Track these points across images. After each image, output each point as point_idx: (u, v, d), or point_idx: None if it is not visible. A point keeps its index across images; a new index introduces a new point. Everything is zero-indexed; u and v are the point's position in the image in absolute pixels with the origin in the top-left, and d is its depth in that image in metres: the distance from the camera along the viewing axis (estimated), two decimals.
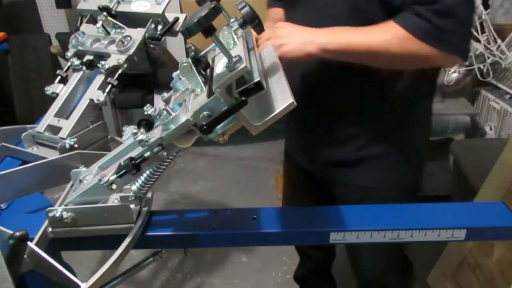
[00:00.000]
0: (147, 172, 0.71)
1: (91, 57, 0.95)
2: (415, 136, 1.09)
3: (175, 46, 2.45)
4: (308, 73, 1.01)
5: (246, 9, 0.68)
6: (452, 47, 0.83)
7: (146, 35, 0.93)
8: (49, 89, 0.96)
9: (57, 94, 0.95)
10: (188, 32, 0.56)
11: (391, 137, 1.05)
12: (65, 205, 0.71)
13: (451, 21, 0.80)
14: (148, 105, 0.72)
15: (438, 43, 0.82)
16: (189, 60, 0.67)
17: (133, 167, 0.65)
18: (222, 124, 0.61)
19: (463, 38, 0.84)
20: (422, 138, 1.12)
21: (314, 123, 1.10)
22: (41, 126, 0.92)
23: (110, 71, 0.92)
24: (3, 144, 0.92)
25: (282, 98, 0.62)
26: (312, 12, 0.98)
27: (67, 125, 0.90)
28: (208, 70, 0.69)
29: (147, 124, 0.67)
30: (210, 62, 0.70)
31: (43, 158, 0.84)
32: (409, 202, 1.19)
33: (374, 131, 1.05)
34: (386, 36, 0.84)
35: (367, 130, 1.04)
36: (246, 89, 0.59)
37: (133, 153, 0.68)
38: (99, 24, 0.95)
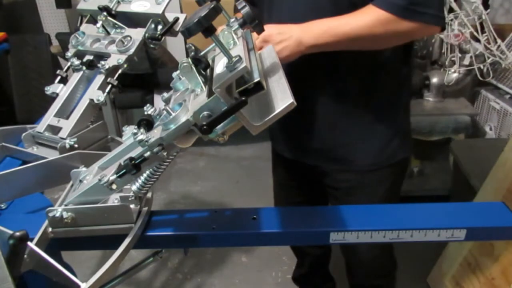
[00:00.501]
0: (147, 172, 0.71)
1: (91, 57, 0.95)
2: (403, 108, 1.13)
3: (175, 46, 2.45)
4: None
5: (246, 9, 0.68)
6: (429, 18, 0.88)
7: (146, 35, 0.93)
8: (49, 89, 0.96)
9: (57, 94, 0.95)
10: (188, 32, 0.56)
11: (382, 113, 1.07)
12: (65, 205, 0.71)
13: None
14: (148, 105, 0.72)
15: (416, 17, 0.87)
16: (189, 60, 0.67)
17: (133, 167, 0.65)
18: (222, 124, 0.61)
19: (437, 7, 0.89)
20: (407, 109, 1.15)
21: (305, 106, 1.08)
22: (41, 126, 0.92)
23: (110, 71, 0.92)
24: (3, 144, 0.92)
25: (282, 98, 0.62)
26: (292, 4, 0.98)
27: (67, 125, 0.90)
28: (208, 70, 0.69)
29: (147, 124, 0.67)
30: (210, 62, 0.70)
31: (43, 158, 0.84)
32: (402, 179, 1.22)
33: (366, 110, 1.05)
34: (368, 20, 0.88)
35: (359, 109, 1.05)
36: (246, 89, 0.59)
37: (133, 153, 0.68)
38: (99, 24, 0.95)
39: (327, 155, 1.12)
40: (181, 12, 2.15)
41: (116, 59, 0.91)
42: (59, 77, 0.97)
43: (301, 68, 0.99)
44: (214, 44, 0.62)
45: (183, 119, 0.62)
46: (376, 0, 0.88)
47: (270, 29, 0.88)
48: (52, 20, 3.19)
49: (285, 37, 0.88)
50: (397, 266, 1.39)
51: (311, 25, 0.90)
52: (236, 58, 0.57)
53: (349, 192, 1.16)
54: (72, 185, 0.77)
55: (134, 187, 0.73)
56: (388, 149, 1.10)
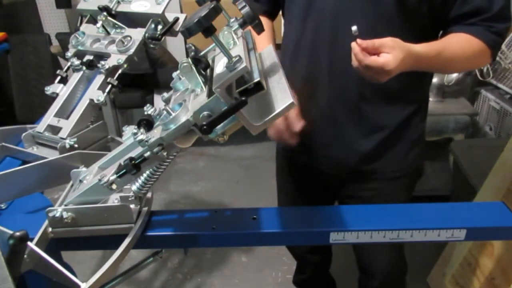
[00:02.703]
0: (147, 172, 0.71)
1: (91, 57, 0.95)
2: (424, 116, 1.13)
3: (175, 46, 2.45)
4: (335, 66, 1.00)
5: (246, 9, 0.68)
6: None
7: (146, 35, 0.93)
8: (49, 89, 0.96)
9: (57, 94, 0.95)
10: (188, 32, 0.56)
11: (409, 120, 1.07)
12: (65, 205, 0.71)
13: (507, 24, 0.94)
14: (148, 105, 0.72)
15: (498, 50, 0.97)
16: (189, 60, 0.67)
17: (133, 167, 0.65)
18: (222, 124, 0.61)
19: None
20: (426, 116, 1.15)
21: (333, 113, 1.06)
22: (41, 126, 0.92)
23: (110, 71, 0.92)
24: (3, 144, 0.92)
25: (282, 98, 0.62)
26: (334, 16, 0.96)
27: (67, 125, 0.90)
28: (208, 70, 0.69)
29: (147, 124, 0.67)
30: (210, 62, 0.70)
31: (43, 158, 0.84)
32: (415, 186, 1.22)
33: (394, 117, 1.05)
34: (471, 50, 0.93)
35: (388, 116, 1.05)
36: (246, 89, 0.59)
37: (133, 153, 0.68)
38: (99, 24, 0.95)
39: (353, 165, 1.10)
40: (181, 12, 2.15)
41: (116, 59, 0.91)
42: (59, 77, 0.97)
43: (340, 80, 1.00)
44: (214, 44, 0.62)
45: (183, 119, 0.62)
46: (477, 32, 0.92)
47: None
48: (52, 20, 3.19)
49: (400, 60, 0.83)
50: (408, 269, 1.38)
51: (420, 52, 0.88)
52: (236, 58, 0.57)
53: (368, 202, 1.11)
54: (72, 185, 0.77)
55: (134, 187, 0.73)
56: (410, 156, 1.10)
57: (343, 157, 1.10)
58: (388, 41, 0.82)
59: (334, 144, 1.09)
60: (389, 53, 0.80)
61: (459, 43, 0.92)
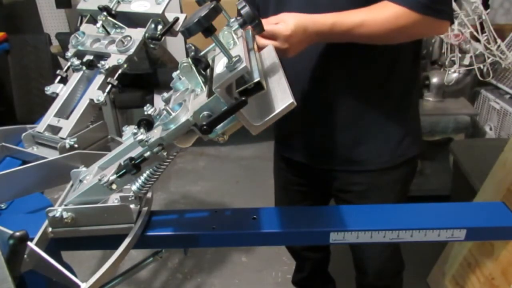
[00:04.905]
0: (147, 172, 0.71)
1: (91, 57, 0.95)
2: (414, 106, 1.13)
3: (175, 46, 2.45)
4: (311, 56, 1.01)
5: (246, 9, 0.68)
6: (445, 15, 0.91)
7: (146, 35, 0.93)
8: (49, 89, 0.96)
9: (57, 94, 0.95)
10: (188, 32, 0.56)
11: (395, 110, 1.07)
12: (65, 205, 0.71)
13: None
14: (148, 105, 0.72)
15: (434, 13, 0.89)
16: (189, 60, 0.67)
17: (133, 167, 0.65)
18: (222, 124, 0.61)
19: (451, 5, 0.93)
20: (416, 107, 1.16)
21: (320, 106, 1.07)
22: (41, 126, 0.92)
23: (110, 71, 0.92)
24: (3, 144, 0.92)
25: (282, 98, 0.62)
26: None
27: (67, 125, 0.90)
28: (208, 70, 0.69)
29: (147, 124, 0.67)
30: (210, 62, 0.70)
31: (43, 158, 0.84)
32: (412, 179, 1.21)
33: (380, 108, 1.05)
34: (385, 14, 0.89)
35: (374, 107, 1.05)
36: (246, 89, 0.59)
37: (133, 153, 0.68)
38: (99, 24, 0.95)
39: (342, 156, 1.10)
40: (181, 12, 2.15)
41: (116, 59, 0.91)
42: (59, 77, 0.97)
43: (317, 68, 0.99)
44: (214, 44, 0.62)
45: (183, 119, 0.62)
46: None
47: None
48: (52, 20, 3.19)
49: (298, 35, 0.85)
50: (405, 266, 1.39)
51: (327, 15, 0.89)
52: (236, 58, 0.57)
53: (362, 195, 1.14)
54: (72, 185, 0.77)
55: (134, 187, 0.73)
56: (402, 147, 1.10)
57: (329, 150, 1.11)
58: (281, 15, 0.87)
59: (320, 139, 1.11)
60: (282, 22, 0.85)
61: (370, 9, 0.90)
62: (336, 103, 1.05)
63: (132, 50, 0.91)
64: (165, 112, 0.63)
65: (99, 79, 0.92)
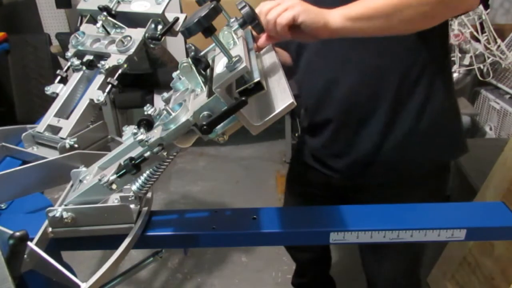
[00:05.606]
0: (147, 172, 0.72)
1: (91, 57, 0.95)
2: (454, 112, 1.06)
3: (175, 46, 2.45)
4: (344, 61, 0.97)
5: (246, 9, 0.68)
6: None
7: (146, 35, 0.93)
8: (49, 89, 0.96)
9: (57, 94, 0.95)
10: (188, 32, 0.56)
11: (438, 119, 1.00)
12: (65, 205, 0.71)
13: None
14: (148, 105, 0.72)
15: None
16: (189, 60, 0.67)
17: (133, 167, 0.65)
18: (222, 124, 0.61)
19: None
20: (453, 106, 1.06)
21: (356, 112, 1.01)
22: (41, 126, 0.92)
23: (110, 71, 0.92)
24: (3, 144, 0.92)
25: (282, 98, 0.62)
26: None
27: (67, 125, 0.90)
28: (208, 70, 0.69)
29: (147, 124, 0.67)
30: (210, 62, 0.70)
31: (43, 158, 0.84)
32: (445, 188, 1.14)
33: (422, 117, 0.98)
34: None
35: (415, 117, 0.98)
36: (246, 89, 0.59)
37: (133, 153, 0.68)
38: (99, 24, 0.95)
39: (383, 167, 1.03)
40: (181, 12, 2.14)
41: (116, 59, 0.91)
42: (59, 77, 0.97)
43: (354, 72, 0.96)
44: (214, 44, 0.62)
45: (183, 119, 0.62)
46: None
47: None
48: (52, 20, 3.19)
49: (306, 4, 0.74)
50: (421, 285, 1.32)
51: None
52: (236, 58, 0.57)
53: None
54: (72, 185, 0.77)
55: (134, 187, 0.73)
56: (440, 156, 1.06)
57: (367, 162, 1.03)
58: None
59: (359, 150, 1.03)
60: None
61: None
62: (373, 109, 0.99)
63: (132, 50, 0.91)
64: (165, 112, 0.63)
65: (99, 79, 0.92)
